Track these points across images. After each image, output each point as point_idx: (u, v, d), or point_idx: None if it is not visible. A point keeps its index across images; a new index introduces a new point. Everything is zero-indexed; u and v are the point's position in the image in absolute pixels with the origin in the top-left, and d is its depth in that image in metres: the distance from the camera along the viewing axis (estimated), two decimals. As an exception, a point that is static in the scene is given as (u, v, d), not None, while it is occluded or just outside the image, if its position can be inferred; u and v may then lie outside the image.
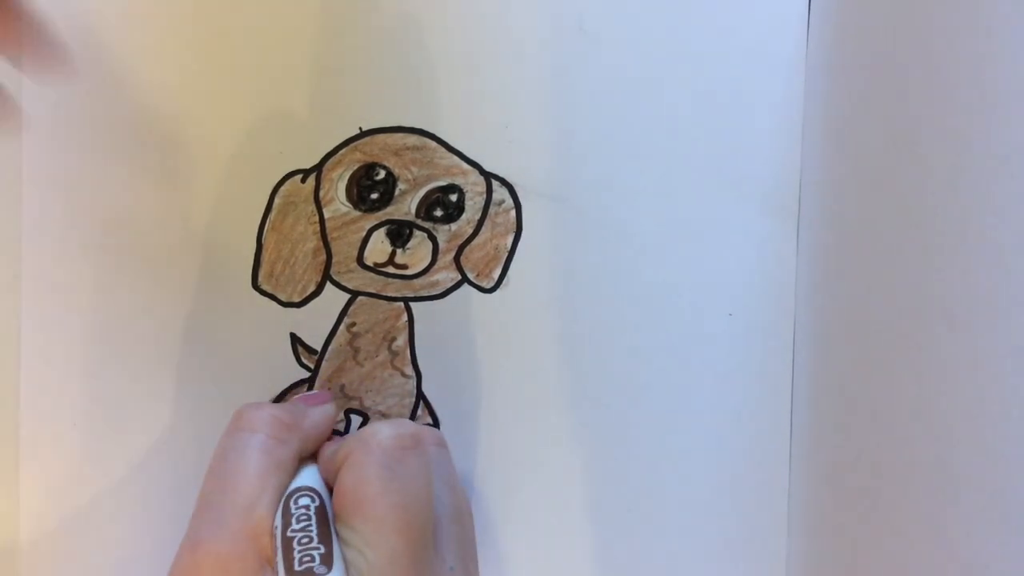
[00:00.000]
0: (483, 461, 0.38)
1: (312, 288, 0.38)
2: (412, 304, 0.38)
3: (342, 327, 0.38)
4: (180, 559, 0.29)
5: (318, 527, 0.30)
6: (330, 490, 0.32)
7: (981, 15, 0.29)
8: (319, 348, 0.38)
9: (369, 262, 0.38)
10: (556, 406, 0.38)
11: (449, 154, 0.38)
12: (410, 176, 0.38)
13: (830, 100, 0.37)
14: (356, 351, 0.38)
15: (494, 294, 0.38)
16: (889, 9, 0.34)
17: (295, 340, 0.38)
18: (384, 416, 0.38)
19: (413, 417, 0.38)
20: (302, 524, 0.30)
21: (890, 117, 0.34)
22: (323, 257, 0.38)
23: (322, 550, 0.29)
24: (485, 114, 0.38)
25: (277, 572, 0.29)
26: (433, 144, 0.38)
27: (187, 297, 0.38)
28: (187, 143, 0.37)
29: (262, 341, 0.38)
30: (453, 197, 0.38)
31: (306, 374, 0.38)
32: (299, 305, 0.38)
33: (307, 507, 0.30)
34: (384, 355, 0.38)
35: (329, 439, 0.35)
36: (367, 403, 0.38)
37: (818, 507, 0.37)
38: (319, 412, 0.34)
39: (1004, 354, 0.28)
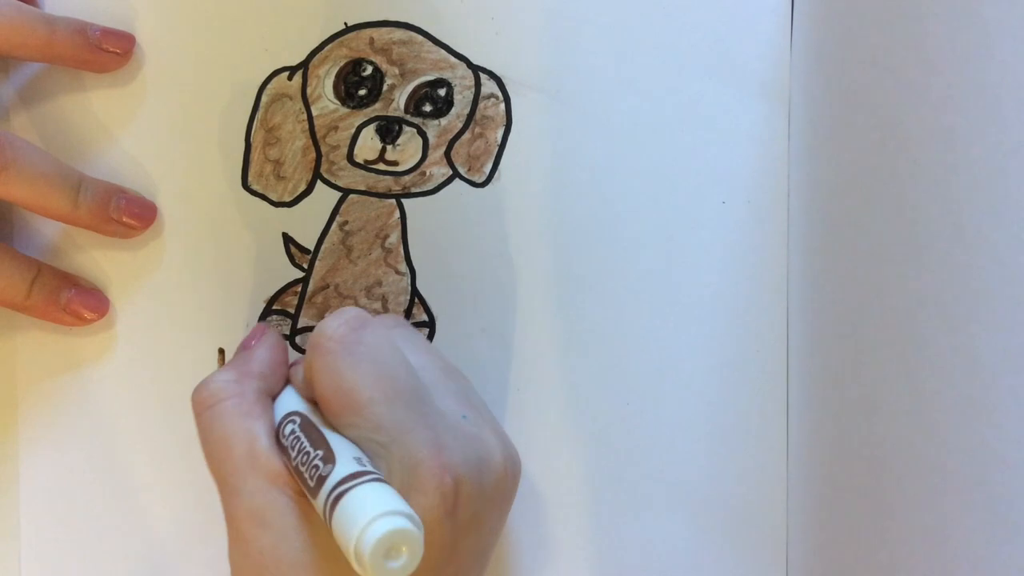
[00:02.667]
0: (477, 356, 0.38)
1: (303, 187, 0.38)
2: (404, 201, 0.38)
3: (334, 226, 0.38)
4: (229, 540, 0.30)
5: (308, 439, 0.30)
6: (314, 403, 0.32)
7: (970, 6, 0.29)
8: (312, 248, 0.38)
9: (359, 159, 0.38)
10: (550, 297, 0.38)
11: (436, 48, 0.38)
12: (397, 71, 0.38)
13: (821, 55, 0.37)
14: (349, 250, 0.38)
15: (486, 188, 0.38)
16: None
17: (288, 240, 0.38)
18: (379, 314, 0.38)
19: (408, 314, 0.38)
20: (296, 447, 0.30)
21: (879, 109, 0.33)
22: (313, 155, 0.38)
23: (320, 453, 0.29)
24: (471, 6, 0.37)
25: (313, 504, 0.29)
26: (420, 38, 0.38)
27: (177, 199, 0.37)
28: (172, 42, 0.37)
29: (254, 242, 0.38)
30: (442, 92, 0.38)
31: (300, 274, 0.38)
32: (290, 204, 0.38)
33: (293, 432, 0.30)
34: (377, 253, 0.38)
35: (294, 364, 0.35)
36: (362, 302, 0.38)
37: (816, 396, 0.37)
38: (261, 346, 0.34)
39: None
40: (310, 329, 0.38)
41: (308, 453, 0.29)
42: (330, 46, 0.37)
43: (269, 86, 0.37)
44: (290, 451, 0.30)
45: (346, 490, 0.27)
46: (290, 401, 0.32)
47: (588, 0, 0.38)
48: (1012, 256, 0.27)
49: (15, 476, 0.38)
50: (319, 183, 0.38)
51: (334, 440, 0.30)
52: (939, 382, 0.30)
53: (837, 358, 0.36)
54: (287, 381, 0.34)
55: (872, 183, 0.34)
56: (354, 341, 0.31)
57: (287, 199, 0.38)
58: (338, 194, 0.38)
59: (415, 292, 0.38)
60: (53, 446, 0.38)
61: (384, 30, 0.37)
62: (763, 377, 0.39)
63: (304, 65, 0.37)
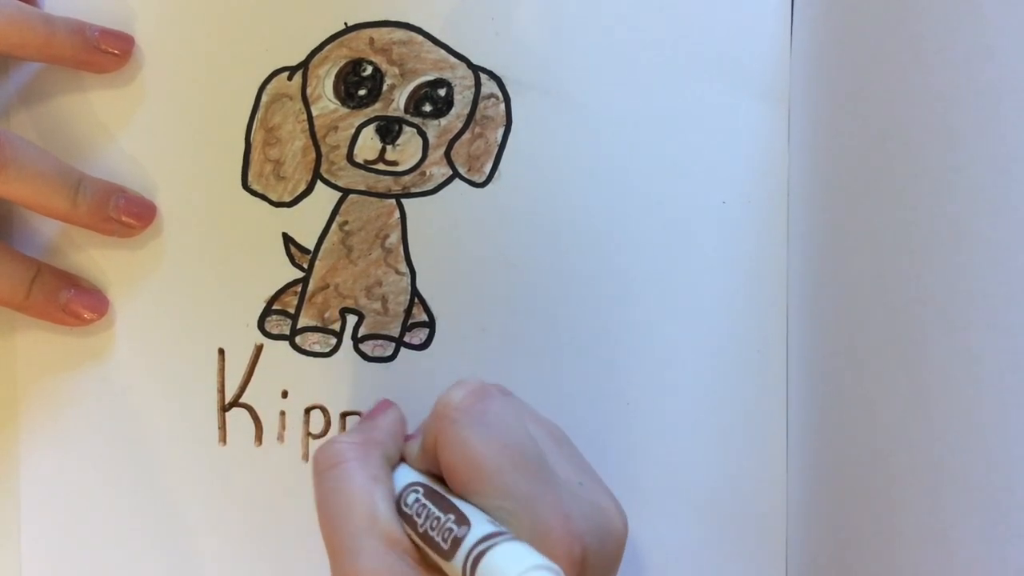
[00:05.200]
0: (477, 356, 0.38)
1: (303, 187, 0.38)
2: (404, 201, 0.38)
3: (334, 226, 0.38)
4: None
5: (435, 505, 0.30)
6: (431, 475, 0.32)
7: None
8: (312, 248, 0.38)
9: (359, 159, 0.38)
10: (550, 297, 0.38)
11: (436, 48, 0.38)
12: (397, 71, 0.38)
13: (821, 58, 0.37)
14: (349, 250, 0.38)
15: (486, 188, 0.38)
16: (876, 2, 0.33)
17: (287, 240, 0.38)
18: (379, 315, 0.38)
19: (408, 315, 0.38)
20: (424, 514, 0.30)
21: (879, 109, 0.33)
22: (313, 155, 0.38)
23: (452, 517, 0.29)
24: (471, 6, 0.37)
25: (445, 567, 0.29)
26: (420, 38, 0.38)
27: (177, 199, 0.37)
28: (171, 42, 0.37)
29: (254, 242, 0.38)
30: (442, 92, 0.38)
31: (300, 274, 0.38)
32: (290, 205, 0.38)
33: (417, 500, 0.31)
34: (377, 253, 0.38)
35: (407, 439, 0.35)
36: (361, 302, 0.38)
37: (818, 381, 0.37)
38: (385, 417, 0.35)
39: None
40: (310, 329, 0.38)
41: (438, 518, 0.29)
42: (330, 46, 0.37)
43: (269, 86, 0.37)
44: (415, 518, 0.30)
45: (488, 547, 0.27)
46: (407, 474, 0.33)
47: (588, 0, 0.38)
48: (1012, 256, 0.27)
49: (16, 476, 0.38)
50: (319, 183, 0.38)
51: (463, 506, 0.30)
52: (939, 382, 0.30)
53: (837, 358, 0.36)
54: (402, 456, 0.34)
55: (872, 183, 0.34)
56: (480, 411, 0.31)
57: (287, 199, 0.38)
58: (338, 194, 0.38)
59: (415, 292, 0.38)
60: (53, 446, 0.38)
61: (384, 30, 0.37)
62: (763, 377, 0.39)
63: (304, 65, 0.37)
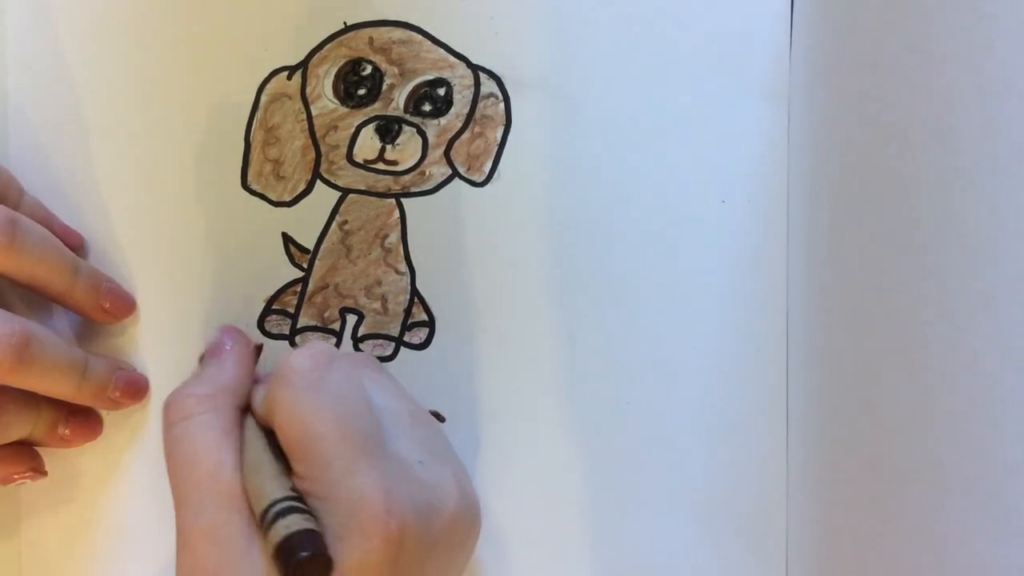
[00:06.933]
0: (477, 356, 0.38)
1: (302, 187, 0.38)
2: (404, 200, 0.38)
3: (334, 225, 0.38)
4: (177, 553, 0.30)
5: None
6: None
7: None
8: (311, 247, 0.38)
9: (359, 159, 0.38)
10: (550, 297, 0.38)
11: (436, 47, 0.38)
12: (397, 71, 0.38)
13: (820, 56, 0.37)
14: (349, 249, 0.38)
15: (485, 188, 0.38)
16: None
17: (287, 240, 0.38)
18: (379, 314, 0.38)
19: (408, 314, 0.38)
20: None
21: (878, 109, 0.33)
22: (312, 155, 0.38)
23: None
24: (470, 6, 0.37)
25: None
26: (419, 38, 0.38)
27: (177, 199, 0.37)
28: (172, 42, 0.37)
29: (254, 242, 0.38)
30: (441, 91, 0.38)
31: (299, 274, 0.38)
32: (290, 204, 0.38)
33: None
34: (377, 252, 0.38)
35: (256, 381, 0.35)
36: (361, 302, 0.38)
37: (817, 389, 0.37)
38: (233, 358, 0.35)
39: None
40: (310, 329, 0.38)
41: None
42: (329, 46, 0.37)
43: (268, 86, 0.37)
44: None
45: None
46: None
47: (588, 0, 0.38)
48: (1012, 256, 0.27)
49: (15, 476, 0.38)
50: (318, 183, 0.38)
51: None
52: (939, 381, 0.30)
53: (837, 357, 0.36)
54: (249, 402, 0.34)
55: (872, 183, 0.34)
56: (317, 378, 0.31)
57: (287, 199, 0.38)
58: (337, 194, 0.38)
59: (415, 292, 0.38)
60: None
61: (383, 29, 0.37)
62: (763, 377, 0.39)
63: (304, 65, 0.37)
